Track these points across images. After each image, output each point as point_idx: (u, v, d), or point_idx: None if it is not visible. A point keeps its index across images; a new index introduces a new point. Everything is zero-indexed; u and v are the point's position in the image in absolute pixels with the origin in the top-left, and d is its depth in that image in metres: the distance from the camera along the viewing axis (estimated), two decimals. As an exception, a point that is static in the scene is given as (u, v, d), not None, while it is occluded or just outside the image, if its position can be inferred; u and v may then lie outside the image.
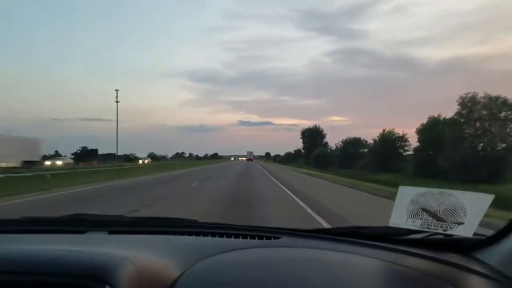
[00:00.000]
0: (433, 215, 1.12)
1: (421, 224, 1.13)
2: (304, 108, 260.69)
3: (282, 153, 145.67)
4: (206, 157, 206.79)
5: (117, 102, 59.71)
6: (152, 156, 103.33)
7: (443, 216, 1.10)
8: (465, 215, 1.07)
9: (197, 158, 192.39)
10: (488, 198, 1.07)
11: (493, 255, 1.04)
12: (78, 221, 1.49)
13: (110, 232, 1.36)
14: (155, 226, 1.52)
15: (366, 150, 56.02)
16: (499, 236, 1.06)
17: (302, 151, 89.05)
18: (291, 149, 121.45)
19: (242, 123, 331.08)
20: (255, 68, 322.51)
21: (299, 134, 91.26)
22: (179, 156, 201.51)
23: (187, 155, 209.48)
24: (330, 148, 74.09)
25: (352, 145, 61.07)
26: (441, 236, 1.14)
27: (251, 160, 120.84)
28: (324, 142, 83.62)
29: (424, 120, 41.30)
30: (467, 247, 1.14)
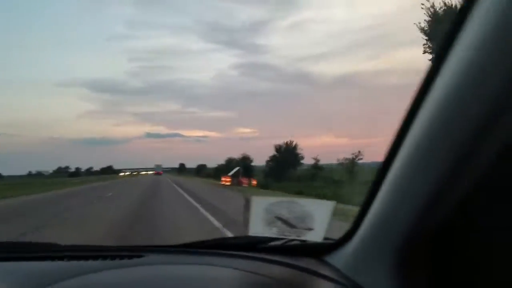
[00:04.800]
0: (286, 222, 1.17)
1: (277, 231, 1.18)
2: (213, 120, 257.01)
3: (195, 165, 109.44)
4: (90, 171, 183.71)
5: None
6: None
7: (295, 223, 1.17)
8: (313, 221, 1.15)
9: (71, 174, 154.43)
10: (330, 204, 1.16)
11: (339, 258, 1.10)
12: None
13: None
14: (3, 252, 1.30)
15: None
16: (344, 239, 1.11)
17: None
18: (203, 161, 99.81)
19: (150, 135, 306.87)
20: (161, 78, 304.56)
21: (209, 146, 69.24)
22: (61, 171, 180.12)
23: (72, 169, 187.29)
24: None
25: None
26: (298, 242, 1.21)
27: (159, 174, 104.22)
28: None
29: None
30: (319, 251, 1.20)
